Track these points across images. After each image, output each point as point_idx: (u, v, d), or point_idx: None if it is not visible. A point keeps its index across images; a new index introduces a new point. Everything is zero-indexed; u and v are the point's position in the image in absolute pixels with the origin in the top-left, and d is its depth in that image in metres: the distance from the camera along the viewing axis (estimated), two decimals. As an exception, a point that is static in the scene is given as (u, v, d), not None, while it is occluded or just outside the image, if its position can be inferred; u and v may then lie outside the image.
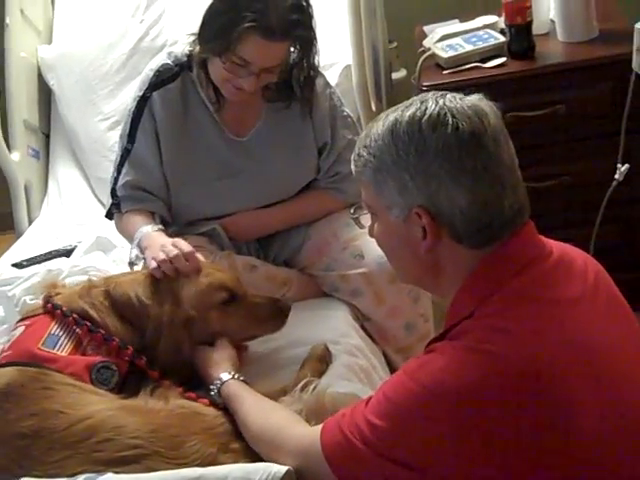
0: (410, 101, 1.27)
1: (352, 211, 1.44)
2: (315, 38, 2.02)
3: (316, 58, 2.05)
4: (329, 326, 1.99)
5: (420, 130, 1.21)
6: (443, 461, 1.17)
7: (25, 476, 1.42)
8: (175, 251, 1.76)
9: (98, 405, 1.53)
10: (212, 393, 1.60)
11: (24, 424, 1.50)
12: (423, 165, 1.21)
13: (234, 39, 1.87)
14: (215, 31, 1.91)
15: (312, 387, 1.62)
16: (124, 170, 2.09)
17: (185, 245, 1.79)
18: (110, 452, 1.44)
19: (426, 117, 1.21)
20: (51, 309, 1.72)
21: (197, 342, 1.73)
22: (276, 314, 1.81)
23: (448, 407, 1.15)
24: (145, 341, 1.71)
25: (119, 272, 2.03)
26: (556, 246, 1.30)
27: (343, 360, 1.84)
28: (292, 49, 2.00)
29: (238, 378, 1.61)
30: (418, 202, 1.22)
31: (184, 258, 1.75)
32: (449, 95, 1.25)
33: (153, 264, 1.77)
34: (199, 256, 1.79)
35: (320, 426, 1.33)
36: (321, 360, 1.82)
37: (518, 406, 1.14)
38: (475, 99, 1.26)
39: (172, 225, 2.17)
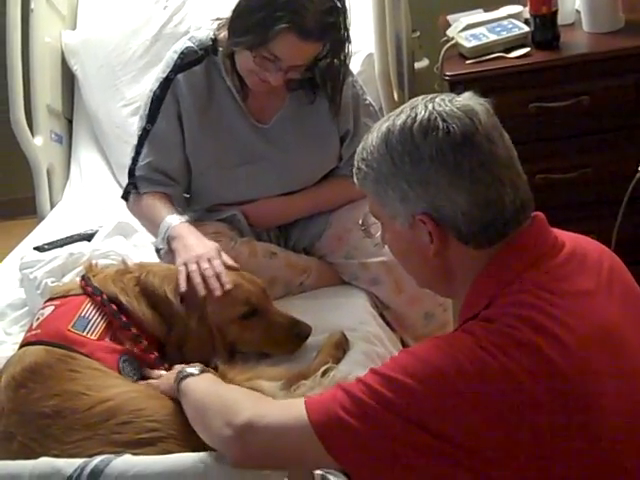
0: (401, 108, 1.27)
1: (360, 222, 1.43)
2: (348, 38, 2.02)
3: (347, 57, 2.05)
4: (348, 313, 1.99)
5: (412, 138, 1.21)
6: (484, 441, 1.12)
7: (44, 455, 1.43)
8: (210, 271, 1.76)
9: (119, 388, 1.54)
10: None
11: (46, 404, 1.51)
12: (419, 173, 1.21)
13: (269, 36, 1.88)
14: (249, 26, 1.91)
15: (333, 373, 1.62)
16: (144, 151, 2.09)
17: (218, 264, 1.78)
18: (128, 434, 1.45)
19: (417, 124, 1.21)
20: (90, 291, 1.73)
21: (219, 349, 1.75)
22: (292, 338, 1.81)
23: (494, 390, 1.12)
24: (171, 336, 1.74)
25: (146, 259, 2.06)
26: (569, 239, 1.29)
27: (361, 347, 1.85)
28: (323, 47, 1.99)
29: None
30: (420, 209, 1.22)
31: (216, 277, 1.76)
32: (438, 98, 1.25)
33: (183, 272, 1.77)
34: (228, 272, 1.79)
35: (298, 400, 1.26)
36: (338, 347, 1.82)
37: (551, 400, 1.13)
38: (465, 98, 1.26)
39: (188, 210, 2.18)
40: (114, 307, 1.69)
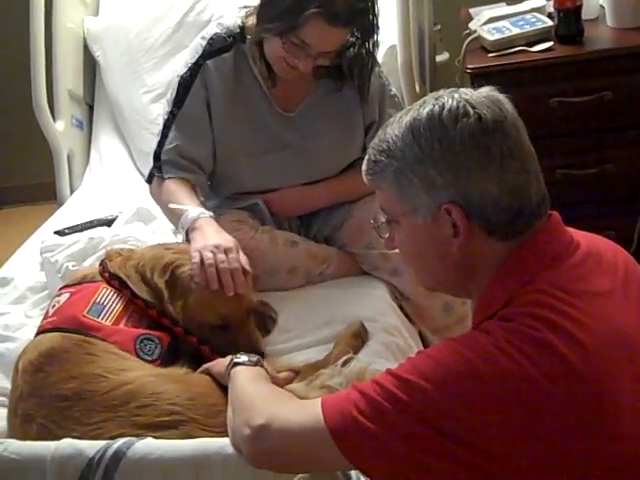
0: (422, 100, 1.26)
1: (372, 220, 1.41)
2: (377, 26, 2.02)
3: (375, 45, 2.05)
4: (367, 304, 1.98)
5: (442, 124, 1.20)
6: (502, 446, 1.12)
7: (65, 436, 1.44)
8: (226, 264, 1.71)
9: (138, 371, 1.56)
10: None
11: (65, 386, 1.52)
12: (450, 158, 1.19)
13: (299, 22, 1.88)
14: (278, 12, 1.91)
15: (353, 363, 1.62)
16: (171, 134, 2.07)
17: (234, 260, 1.74)
18: (149, 417, 1.46)
19: (446, 111, 1.20)
20: (107, 277, 1.74)
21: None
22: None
23: (509, 391, 1.12)
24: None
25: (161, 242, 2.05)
26: (583, 238, 1.28)
27: (381, 338, 1.85)
28: (351, 33, 1.99)
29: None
30: (448, 197, 1.21)
31: (230, 272, 1.72)
32: (462, 89, 1.25)
33: (197, 259, 1.73)
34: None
35: (314, 400, 1.25)
36: (356, 337, 1.82)
37: (567, 402, 1.12)
38: (487, 89, 1.26)
39: (211, 198, 2.18)
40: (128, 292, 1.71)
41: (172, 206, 1.97)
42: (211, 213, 1.94)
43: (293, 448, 1.23)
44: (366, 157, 1.30)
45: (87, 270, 1.87)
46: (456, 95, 1.23)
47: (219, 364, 1.58)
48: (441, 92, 1.25)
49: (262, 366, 1.50)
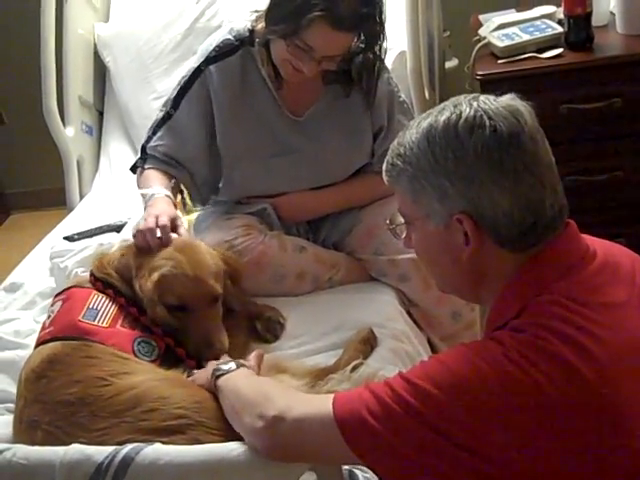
0: (442, 106, 1.25)
1: (388, 221, 1.41)
2: (383, 32, 2.01)
3: (382, 51, 2.05)
4: (376, 310, 1.98)
5: (457, 134, 1.19)
6: (510, 454, 1.12)
7: (71, 442, 1.43)
8: (151, 224, 1.78)
9: (142, 375, 1.55)
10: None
11: (68, 391, 1.52)
12: (463, 169, 1.19)
13: (302, 25, 1.88)
14: (284, 15, 1.91)
15: (362, 369, 1.62)
16: (160, 133, 2.11)
17: (164, 219, 1.79)
18: (155, 421, 1.46)
19: (462, 120, 1.20)
20: (92, 280, 1.77)
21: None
22: (201, 348, 1.71)
23: (518, 403, 1.12)
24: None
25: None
26: (600, 247, 1.27)
27: (389, 344, 1.85)
28: (357, 38, 1.99)
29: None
30: (459, 208, 1.20)
31: (159, 231, 1.77)
32: (482, 97, 1.23)
33: (133, 232, 1.81)
34: (181, 234, 1.81)
35: (329, 395, 1.27)
36: (365, 342, 1.83)
37: (580, 415, 1.12)
38: (508, 99, 1.24)
39: (220, 203, 2.18)
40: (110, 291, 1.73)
41: (141, 191, 2.03)
42: (167, 192, 1.98)
43: (305, 441, 1.25)
44: (386, 157, 1.30)
45: (78, 278, 1.88)
46: (475, 104, 1.21)
47: (200, 376, 1.58)
48: (461, 98, 1.24)
49: (244, 366, 1.51)
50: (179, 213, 2.22)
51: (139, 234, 1.79)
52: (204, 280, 1.75)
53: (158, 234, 1.76)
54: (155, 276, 1.71)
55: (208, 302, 1.76)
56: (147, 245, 1.77)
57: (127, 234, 2.37)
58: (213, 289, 1.76)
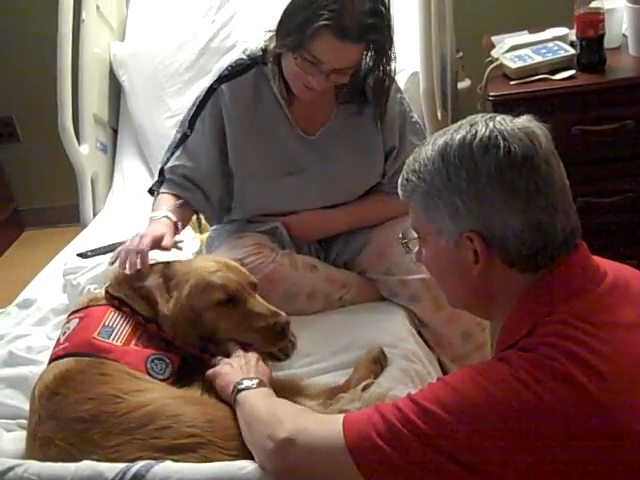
0: (459, 124, 1.26)
1: (401, 236, 1.42)
2: (391, 44, 2.01)
3: (392, 64, 2.04)
4: (386, 330, 1.99)
5: (471, 153, 1.20)
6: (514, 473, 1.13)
7: (84, 459, 1.44)
8: (131, 245, 1.81)
9: (155, 393, 1.56)
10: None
11: (82, 408, 1.52)
12: (475, 189, 1.19)
13: (308, 36, 1.89)
14: (291, 27, 1.93)
15: (373, 388, 1.62)
16: (177, 153, 2.13)
17: (145, 240, 1.82)
18: (168, 439, 1.46)
19: (477, 140, 1.20)
20: (108, 297, 1.76)
21: (202, 338, 1.72)
22: (270, 328, 1.71)
23: (525, 422, 1.12)
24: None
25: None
26: (611, 268, 1.27)
27: (400, 364, 1.85)
28: (366, 53, 1.99)
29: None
30: (470, 226, 1.21)
31: (136, 253, 1.78)
32: (499, 117, 1.24)
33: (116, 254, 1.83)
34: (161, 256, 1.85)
35: (339, 416, 1.27)
36: (376, 362, 1.83)
37: (585, 437, 1.12)
38: (525, 120, 1.25)
39: (232, 222, 2.19)
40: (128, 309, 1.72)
41: (150, 215, 2.04)
42: (166, 213, 2.00)
43: (315, 463, 1.26)
44: (402, 172, 1.31)
45: (91, 295, 1.88)
46: (491, 124, 1.22)
47: (224, 373, 1.58)
48: (478, 117, 1.25)
49: (265, 386, 1.51)
50: (190, 229, 2.25)
51: (117, 254, 1.82)
52: (239, 268, 1.78)
53: (134, 256, 1.78)
54: (192, 281, 1.70)
55: (252, 288, 1.77)
56: (124, 264, 1.78)
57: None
58: (249, 276, 1.79)
